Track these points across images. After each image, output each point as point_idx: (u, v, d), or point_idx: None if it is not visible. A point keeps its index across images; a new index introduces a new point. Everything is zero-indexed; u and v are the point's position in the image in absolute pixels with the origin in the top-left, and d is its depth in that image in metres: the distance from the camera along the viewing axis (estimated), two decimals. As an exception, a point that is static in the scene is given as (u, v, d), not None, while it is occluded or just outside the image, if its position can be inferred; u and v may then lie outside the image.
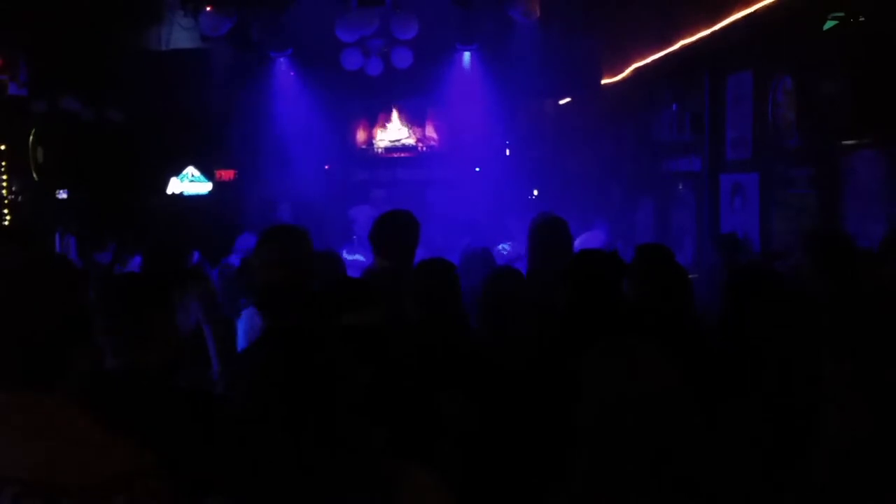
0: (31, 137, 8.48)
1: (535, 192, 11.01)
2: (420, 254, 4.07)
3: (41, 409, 1.69)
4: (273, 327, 2.88)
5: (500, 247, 6.82)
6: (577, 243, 5.46)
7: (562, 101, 10.77)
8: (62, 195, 8.80)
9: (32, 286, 1.78)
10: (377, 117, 11.79)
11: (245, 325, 3.69)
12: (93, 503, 1.60)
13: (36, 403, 1.69)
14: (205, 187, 10.46)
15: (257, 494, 1.70)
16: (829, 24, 4.96)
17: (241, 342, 3.74)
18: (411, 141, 11.80)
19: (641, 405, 2.00)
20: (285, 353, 1.80)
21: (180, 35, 9.61)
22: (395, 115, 11.75)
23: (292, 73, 10.74)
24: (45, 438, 1.66)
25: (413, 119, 11.78)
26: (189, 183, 10.40)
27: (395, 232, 4.01)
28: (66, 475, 1.61)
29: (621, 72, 8.74)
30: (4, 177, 8.02)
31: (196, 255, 5.46)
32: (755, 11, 5.82)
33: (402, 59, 9.95)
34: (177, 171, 10.30)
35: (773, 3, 5.62)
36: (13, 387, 1.70)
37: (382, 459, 1.78)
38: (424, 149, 11.80)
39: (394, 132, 11.78)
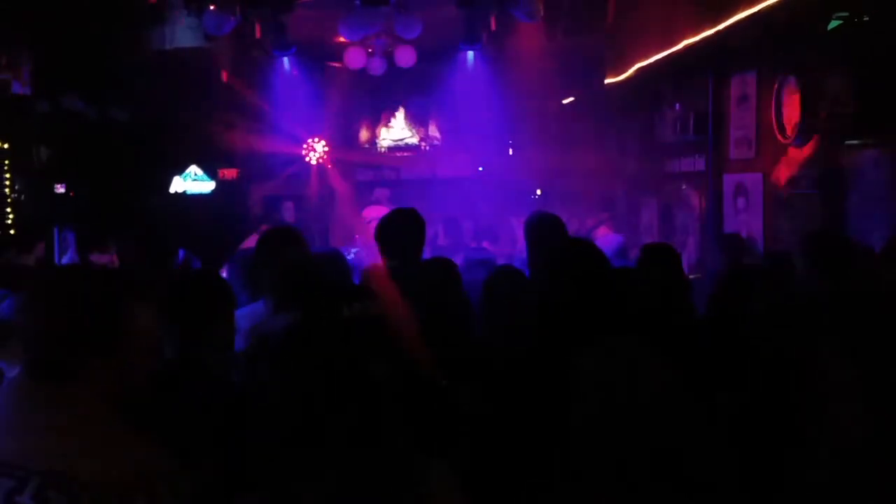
0: (34, 136, 8.49)
1: (539, 192, 11.01)
2: (424, 252, 4.06)
3: (68, 404, 1.69)
4: (298, 324, 2.89)
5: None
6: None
7: (565, 101, 10.76)
8: (60, 189, 8.79)
9: (68, 286, 1.80)
10: (380, 116, 11.80)
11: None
12: (112, 501, 1.59)
13: (64, 398, 1.69)
14: (208, 186, 10.46)
15: (289, 493, 1.68)
16: (833, 24, 4.95)
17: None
18: (415, 140, 11.80)
19: (637, 405, 1.99)
20: (320, 350, 1.78)
21: (184, 34, 9.61)
22: (398, 114, 11.75)
23: (295, 72, 10.75)
24: (71, 433, 1.66)
25: (417, 118, 11.78)
26: (192, 182, 10.39)
27: (401, 231, 4.00)
28: (87, 471, 1.60)
29: (624, 71, 8.72)
30: (7, 175, 8.03)
31: (181, 254, 5.44)
32: (759, 11, 5.80)
33: (406, 58, 9.95)
34: (180, 170, 10.30)
35: (776, 2, 5.60)
36: (43, 379, 1.70)
37: (414, 458, 1.77)
38: (428, 148, 11.81)
39: (397, 131, 11.79)
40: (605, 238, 5.88)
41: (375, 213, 8.97)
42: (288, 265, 3.28)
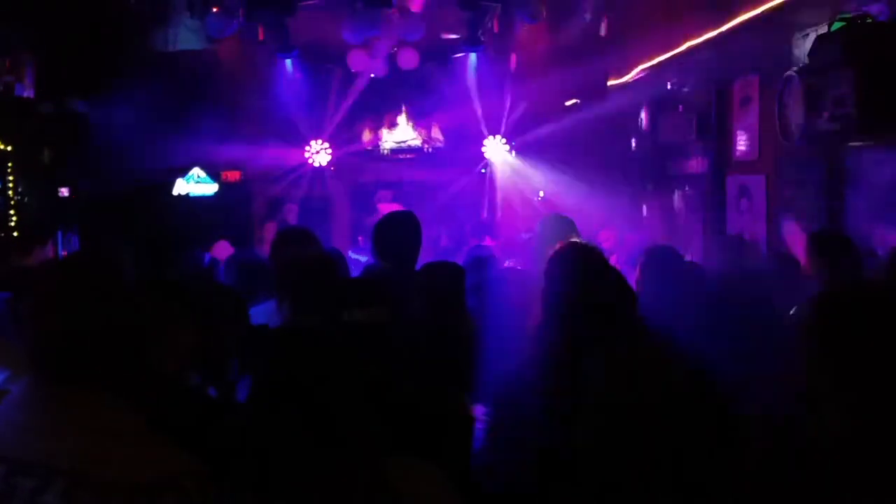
0: (37, 138, 8.50)
1: (542, 194, 11.01)
2: (426, 254, 4.06)
3: (89, 405, 1.66)
4: (282, 327, 2.89)
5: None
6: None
7: (568, 103, 10.76)
8: (63, 193, 8.81)
9: (77, 288, 1.76)
10: (383, 118, 11.80)
11: None
12: (142, 501, 1.57)
13: (84, 399, 1.67)
14: (211, 188, 10.48)
15: (260, 494, 1.69)
16: (836, 25, 4.95)
17: None
18: (417, 142, 11.80)
19: (642, 412, 1.98)
20: (285, 352, 1.80)
21: (187, 36, 9.63)
22: (401, 116, 11.75)
23: (298, 75, 10.76)
24: (94, 434, 1.63)
25: (419, 120, 11.78)
26: (195, 184, 10.41)
27: (396, 234, 4.01)
28: (115, 471, 1.58)
29: (628, 73, 8.73)
30: (11, 178, 8.04)
31: (206, 257, 5.45)
32: (762, 13, 5.80)
33: (409, 60, 9.96)
34: (183, 172, 10.31)
35: (779, 3, 5.60)
36: (60, 382, 1.68)
37: (386, 458, 1.77)
38: (430, 150, 11.80)
39: (400, 133, 11.78)
40: (605, 235, 5.84)
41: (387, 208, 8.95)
42: (310, 265, 3.27)
